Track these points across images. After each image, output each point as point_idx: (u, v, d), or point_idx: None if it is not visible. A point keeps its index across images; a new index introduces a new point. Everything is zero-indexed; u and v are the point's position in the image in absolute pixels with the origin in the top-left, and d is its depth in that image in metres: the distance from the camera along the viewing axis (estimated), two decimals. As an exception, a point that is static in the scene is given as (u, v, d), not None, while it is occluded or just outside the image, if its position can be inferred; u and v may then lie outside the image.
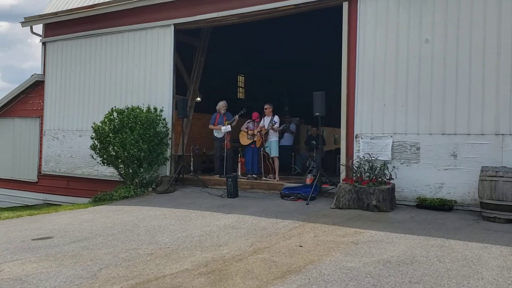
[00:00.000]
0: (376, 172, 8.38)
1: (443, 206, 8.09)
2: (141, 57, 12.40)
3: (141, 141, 10.67)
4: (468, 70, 8.23)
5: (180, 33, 12.36)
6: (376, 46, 9.09)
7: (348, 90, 9.38)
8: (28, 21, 14.66)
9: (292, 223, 7.43)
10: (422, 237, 6.42)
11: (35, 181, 14.90)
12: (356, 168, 8.66)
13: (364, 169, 8.54)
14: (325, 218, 7.74)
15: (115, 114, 11.11)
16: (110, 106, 11.68)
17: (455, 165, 8.29)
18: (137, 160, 10.82)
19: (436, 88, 8.49)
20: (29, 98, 15.32)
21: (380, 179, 8.40)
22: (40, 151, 14.77)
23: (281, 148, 13.54)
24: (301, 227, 7.14)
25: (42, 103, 14.75)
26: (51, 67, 14.47)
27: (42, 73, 14.74)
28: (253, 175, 11.19)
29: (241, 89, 20.86)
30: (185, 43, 13.02)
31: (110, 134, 10.67)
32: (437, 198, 8.25)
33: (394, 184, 8.46)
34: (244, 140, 11.60)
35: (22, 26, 14.89)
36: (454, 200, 8.23)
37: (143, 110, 11.31)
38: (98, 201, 11.16)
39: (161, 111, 11.54)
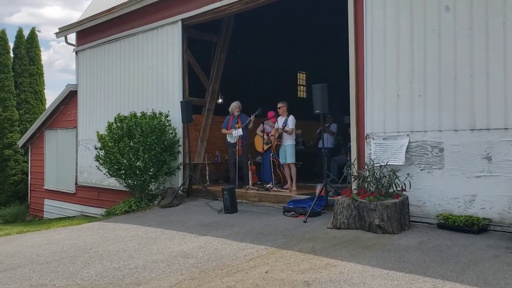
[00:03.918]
0: (383, 182, 6.53)
1: (471, 226, 6.01)
2: (153, 58, 11.50)
3: (141, 149, 9.73)
4: (503, 41, 6.07)
5: (192, 29, 11.27)
6: (386, 20, 7.20)
7: (357, 79, 7.57)
8: (62, 31, 14.52)
9: (260, 250, 5.92)
10: (410, 277, 4.59)
11: (73, 192, 14.70)
12: (361, 177, 6.86)
13: (372, 177, 6.72)
14: (306, 243, 6.10)
15: (117, 122, 10.29)
16: (130, 113, 10.90)
17: (489, 171, 6.16)
18: (139, 170, 9.89)
19: (461, 69, 6.42)
20: (68, 109, 15.22)
21: (390, 191, 6.54)
22: (77, 162, 14.53)
23: (319, 151, 11.95)
24: (264, 257, 5.61)
25: (77, 113, 14.52)
26: (82, 76, 14.18)
27: (76, 83, 14.53)
28: (266, 185, 9.68)
29: (301, 87, 19.33)
30: (203, 40, 11.90)
31: (109, 144, 9.85)
32: (464, 216, 6.18)
33: (406, 197, 6.53)
34: (259, 144, 10.15)
35: (57, 37, 14.82)
36: (488, 218, 6.11)
37: (147, 115, 10.36)
38: (107, 215, 10.47)
39: (167, 116, 10.50)
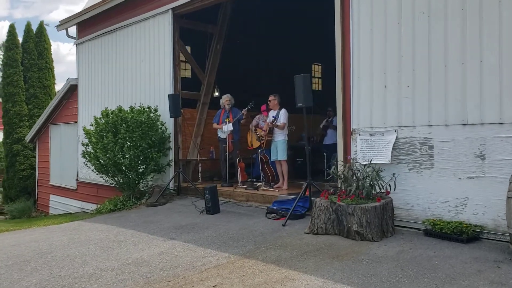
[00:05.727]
0: (364, 183, 5.86)
1: (460, 234, 5.30)
2: (146, 50, 11.04)
3: (127, 145, 9.30)
4: (498, 23, 5.31)
5: (185, 19, 10.75)
6: (373, 1, 6.49)
7: (344, 68, 6.88)
8: (62, 24, 14.22)
9: (221, 259, 5.37)
10: (371, 297, 3.97)
11: (75, 188, 14.46)
12: (342, 177, 6.21)
13: (355, 177, 6.06)
14: (274, 251, 5.52)
15: (103, 116, 9.89)
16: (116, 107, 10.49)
17: (483, 171, 5.42)
18: (126, 168, 9.47)
19: (452, 56, 5.68)
20: (70, 103, 14.98)
21: (373, 192, 5.88)
22: (77, 158, 14.26)
23: (324, 147, 11.32)
24: (221, 267, 5.05)
25: (77, 108, 14.24)
26: (81, 70, 13.87)
27: (77, 77, 14.23)
28: (256, 184, 9.09)
29: (317, 79, 18.55)
30: (198, 31, 11.36)
31: (93, 139, 9.46)
32: (454, 222, 5.46)
33: (390, 200, 5.84)
34: (251, 140, 9.56)
35: (58, 30, 14.51)
36: (481, 225, 5.39)
37: (135, 109, 9.91)
38: (95, 213, 10.12)
39: (156, 110, 10.03)
